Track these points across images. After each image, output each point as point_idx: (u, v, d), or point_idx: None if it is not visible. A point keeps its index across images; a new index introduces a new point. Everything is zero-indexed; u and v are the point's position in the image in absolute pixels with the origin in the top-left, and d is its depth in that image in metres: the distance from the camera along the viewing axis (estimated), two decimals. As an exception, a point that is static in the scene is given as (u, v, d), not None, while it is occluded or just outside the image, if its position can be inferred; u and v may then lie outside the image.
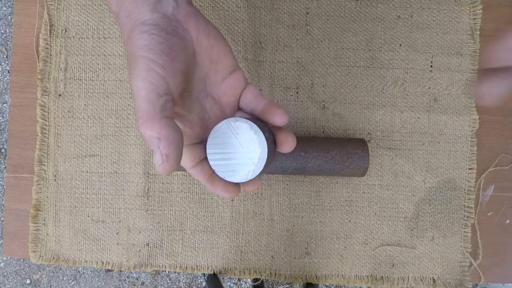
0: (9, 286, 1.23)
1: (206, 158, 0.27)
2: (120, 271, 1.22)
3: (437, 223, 0.46)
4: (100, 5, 0.46)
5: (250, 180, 0.27)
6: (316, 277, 0.46)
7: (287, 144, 0.27)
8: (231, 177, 0.26)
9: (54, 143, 0.46)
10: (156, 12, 0.23)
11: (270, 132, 0.27)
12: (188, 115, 0.26)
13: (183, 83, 0.24)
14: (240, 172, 0.26)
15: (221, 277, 1.04)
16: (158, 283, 1.22)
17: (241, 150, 0.26)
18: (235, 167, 0.26)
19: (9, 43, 1.28)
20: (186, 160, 0.26)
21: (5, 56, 1.27)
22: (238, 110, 0.29)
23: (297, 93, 0.46)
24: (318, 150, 0.40)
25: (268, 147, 0.26)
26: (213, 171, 0.27)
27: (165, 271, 1.22)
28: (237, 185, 0.27)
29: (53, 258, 0.46)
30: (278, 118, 0.26)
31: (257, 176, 0.26)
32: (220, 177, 0.26)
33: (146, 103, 0.21)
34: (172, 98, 0.22)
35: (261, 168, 0.26)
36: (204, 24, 0.25)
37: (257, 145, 0.25)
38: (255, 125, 0.25)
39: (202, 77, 0.27)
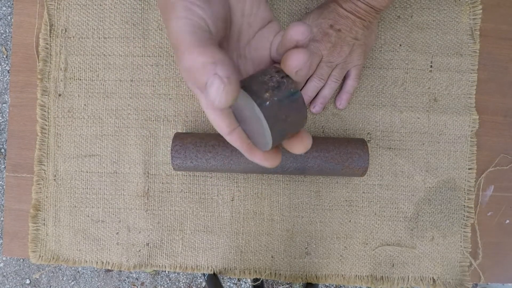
0: (8, 286, 1.23)
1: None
2: (120, 271, 1.22)
3: (437, 223, 0.46)
4: (100, 5, 0.46)
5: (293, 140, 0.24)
6: (316, 277, 0.46)
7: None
8: (259, 145, 0.24)
9: (54, 143, 0.46)
10: None
11: (285, 88, 0.21)
12: None
13: (222, 30, 0.23)
14: (261, 141, 0.23)
15: (221, 277, 1.04)
16: (158, 283, 1.22)
17: (250, 119, 0.23)
18: (258, 137, 0.23)
19: (9, 43, 1.27)
20: (223, 125, 0.24)
21: (5, 56, 1.27)
22: (272, 64, 0.26)
23: (297, 93, 0.46)
24: (318, 150, 0.40)
25: (276, 108, 0.21)
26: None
27: (165, 271, 1.22)
28: (277, 152, 0.25)
29: (53, 258, 0.46)
30: (291, 64, 0.21)
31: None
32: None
33: (192, 35, 0.20)
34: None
35: (277, 136, 0.22)
36: None
37: (260, 115, 0.21)
38: (245, 93, 0.21)
39: (235, 34, 0.25)
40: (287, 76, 0.22)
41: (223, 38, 0.24)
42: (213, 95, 0.18)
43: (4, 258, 1.23)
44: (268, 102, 0.20)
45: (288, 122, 0.21)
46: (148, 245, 0.46)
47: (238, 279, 1.22)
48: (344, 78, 0.44)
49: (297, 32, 0.21)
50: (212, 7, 0.22)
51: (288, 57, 0.21)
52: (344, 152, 0.40)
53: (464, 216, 0.46)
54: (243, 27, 0.25)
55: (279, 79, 0.21)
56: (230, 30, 0.25)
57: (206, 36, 0.21)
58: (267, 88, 0.21)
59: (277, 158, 0.24)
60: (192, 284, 1.22)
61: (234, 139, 0.24)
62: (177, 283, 1.22)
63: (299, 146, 0.24)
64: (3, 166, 1.26)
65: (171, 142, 0.45)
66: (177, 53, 0.21)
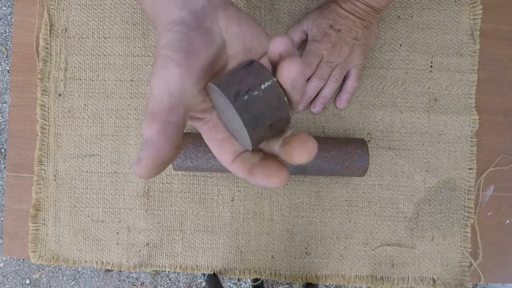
0: (8, 286, 1.23)
1: (245, 151, 0.24)
2: (120, 271, 1.22)
3: (437, 223, 0.46)
4: (100, 5, 0.46)
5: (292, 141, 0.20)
6: (316, 277, 0.46)
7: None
8: (242, 143, 0.22)
9: (54, 143, 0.46)
10: (185, 9, 0.23)
11: (271, 87, 0.19)
12: None
13: (204, 79, 0.23)
14: (243, 138, 0.21)
15: (221, 277, 1.04)
16: (158, 283, 1.22)
17: (231, 114, 0.21)
18: (240, 133, 0.21)
19: (9, 43, 1.27)
20: (225, 155, 0.24)
21: (5, 56, 1.27)
22: None
23: (297, 93, 0.46)
24: (318, 150, 0.40)
25: (250, 106, 0.19)
26: (252, 163, 0.22)
27: (165, 271, 1.22)
28: (280, 167, 0.21)
29: (53, 258, 0.46)
30: (284, 76, 0.19)
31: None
32: (260, 168, 0.22)
33: (154, 102, 0.21)
34: (188, 97, 0.22)
35: (252, 126, 0.19)
36: (234, 11, 0.24)
37: (233, 110, 0.19)
38: (218, 87, 0.20)
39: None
40: (253, 61, 0.20)
41: (221, 71, 0.24)
42: (134, 168, 0.20)
43: (4, 258, 1.23)
44: (238, 94, 0.19)
45: (265, 115, 0.19)
46: (148, 245, 0.46)
47: (238, 279, 1.22)
48: (344, 78, 0.44)
49: (276, 45, 0.19)
50: (193, 60, 0.22)
51: (280, 70, 0.19)
52: (344, 152, 0.40)
53: (464, 216, 0.46)
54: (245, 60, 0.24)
55: (245, 65, 0.20)
56: (232, 64, 0.25)
57: (170, 104, 0.21)
58: (237, 79, 0.20)
59: (281, 173, 0.21)
60: (192, 284, 1.22)
61: (236, 167, 0.23)
62: (177, 283, 1.22)
63: (299, 151, 0.20)
64: (3, 166, 1.26)
65: (171, 142, 0.45)
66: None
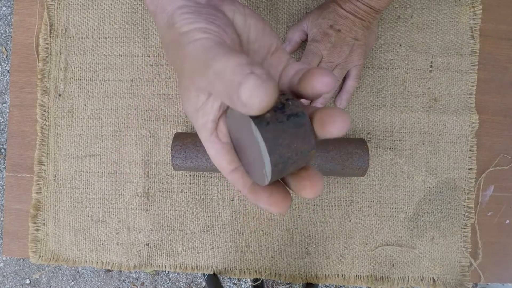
0: (8, 286, 1.23)
1: None
2: (120, 271, 1.22)
3: (437, 223, 0.46)
4: (100, 5, 0.46)
5: (300, 177, 0.20)
6: (316, 277, 0.46)
7: (333, 124, 0.18)
8: (259, 179, 0.20)
9: (54, 143, 0.46)
10: (190, 1, 0.23)
11: (290, 110, 0.18)
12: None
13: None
14: (260, 171, 0.19)
15: (221, 277, 1.04)
16: (158, 283, 1.22)
17: (247, 146, 0.20)
18: (255, 166, 0.20)
19: (9, 43, 1.27)
20: (224, 162, 0.22)
21: (5, 56, 1.27)
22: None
23: (297, 93, 0.46)
24: (318, 150, 0.40)
25: (278, 131, 0.18)
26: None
27: (165, 271, 1.22)
28: (285, 196, 0.20)
29: (53, 258, 0.46)
30: (314, 86, 0.19)
31: (316, 175, 0.20)
32: (264, 191, 0.21)
33: (219, 46, 0.19)
34: None
35: (278, 164, 0.18)
36: (240, 5, 0.24)
37: (258, 137, 0.18)
38: (244, 114, 0.19)
39: None
40: (292, 98, 0.19)
41: None
42: (246, 94, 0.16)
43: (4, 258, 1.23)
44: (268, 122, 0.17)
45: (292, 149, 0.18)
46: (148, 245, 0.46)
47: (238, 279, 1.22)
48: (344, 78, 0.44)
49: (321, 84, 0.18)
50: (226, 33, 0.21)
51: (310, 81, 0.19)
52: (344, 152, 0.40)
53: (464, 216, 0.46)
54: (249, 53, 0.24)
55: (283, 101, 0.18)
56: None
57: (234, 48, 0.20)
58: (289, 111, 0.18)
59: (286, 202, 0.20)
60: (192, 284, 1.22)
61: (236, 178, 0.22)
62: (177, 283, 1.22)
63: (309, 191, 0.19)
64: (3, 166, 1.26)
65: (171, 142, 0.45)
66: (196, 72, 0.19)
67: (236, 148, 0.22)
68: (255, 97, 0.16)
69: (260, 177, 0.20)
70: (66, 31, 0.46)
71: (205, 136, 0.22)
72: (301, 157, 0.19)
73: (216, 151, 0.22)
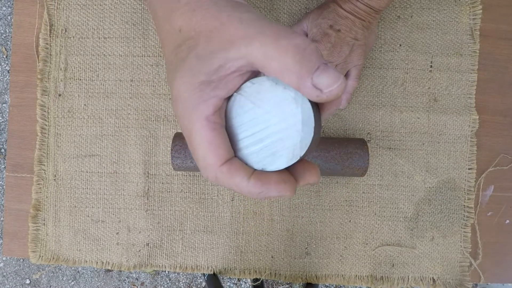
0: (8, 286, 1.23)
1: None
2: (120, 271, 1.22)
3: (437, 223, 0.46)
4: (100, 5, 0.46)
5: (304, 162, 0.19)
6: (316, 277, 0.46)
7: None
8: (273, 163, 0.19)
9: (54, 143, 0.46)
10: None
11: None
12: None
13: None
14: (283, 150, 0.19)
15: (221, 277, 1.04)
16: (158, 283, 1.22)
17: (273, 121, 0.19)
18: (273, 148, 0.19)
19: (9, 43, 1.27)
20: (221, 151, 0.19)
21: (5, 56, 1.27)
22: None
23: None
24: (318, 150, 0.40)
25: (311, 105, 0.18)
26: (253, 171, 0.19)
27: (165, 271, 1.22)
28: (289, 177, 0.20)
29: (53, 258, 0.46)
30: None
31: (309, 158, 0.19)
32: (271, 173, 0.19)
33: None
34: None
35: (311, 135, 0.18)
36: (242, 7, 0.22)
37: (293, 103, 0.18)
38: (279, 80, 0.18)
39: None
40: None
41: None
42: (328, 80, 0.17)
43: (4, 258, 1.23)
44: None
45: (319, 126, 0.19)
46: (148, 245, 0.46)
47: (238, 279, 1.22)
48: None
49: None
50: None
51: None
52: (344, 152, 0.40)
53: (464, 216, 0.46)
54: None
55: None
56: None
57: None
58: None
59: (291, 185, 0.19)
60: (192, 284, 1.22)
61: (234, 169, 0.19)
62: (177, 283, 1.22)
63: (314, 173, 0.20)
64: (3, 166, 1.26)
65: (171, 142, 0.45)
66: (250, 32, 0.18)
67: (237, 124, 0.20)
68: (336, 85, 0.17)
69: (288, 155, 0.19)
70: (66, 31, 0.46)
71: (202, 118, 0.19)
72: (319, 137, 0.20)
73: (213, 137, 0.19)
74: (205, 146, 0.19)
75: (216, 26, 0.19)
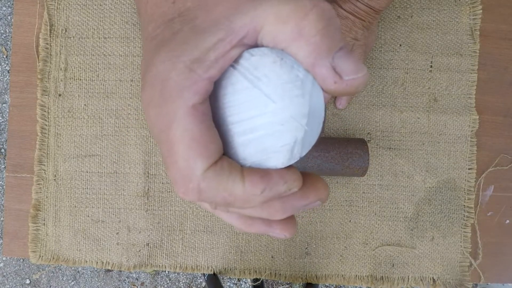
0: (8, 286, 1.23)
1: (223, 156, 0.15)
2: (120, 271, 1.22)
3: (437, 223, 0.46)
4: (100, 5, 0.46)
5: (310, 178, 0.16)
6: (316, 277, 0.46)
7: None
8: (265, 161, 0.15)
9: (54, 143, 0.46)
10: None
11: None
12: None
13: None
14: (280, 146, 0.14)
15: (221, 277, 1.04)
16: (158, 283, 1.22)
17: (271, 108, 0.14)
18: (266, 142, 0.15)
19: (9, 43, 1.27)
20: (213, 147, 0.14)
21: (5, 56, 1.27)
22: None
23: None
24: (318, 150, 0.40)
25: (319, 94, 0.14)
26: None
27: (165, 271, 1.22)
28: (294, 169, 0.16)
29: (53, 258, 0.46)
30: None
31: (317, 176, 0.16)
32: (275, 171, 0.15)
33: None
34: None
35: (318, 132, 0.15)
36: None
37: (300, 88, 0.14)
38: (287, 54, 0.14)
39: None
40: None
41: None
42: (352, 65, 0.14)
43: (4, 258, 1.23)
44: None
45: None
46: (148, 245, 0.46)
47: (238, 279, 1.22)
48: None
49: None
50: None
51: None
52: (344, 152, 0.40)
53: (464, 216, 0.46)
54: None
55: None
56: None
57: None
58: None
59: (297, 172, 0.16)
60: (192, 284, 1.22)
61: (218, 173, 0.14)
62: (177, 283, 1.22)
63: (322, 186, 0.17)
64: (3, 166, 1.26)
65: (171, 142, 0.45)
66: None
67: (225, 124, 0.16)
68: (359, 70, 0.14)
69: (284, 153, 0.15)
70: (66, 31, 0.46)
71: (188, 106, 0.14)
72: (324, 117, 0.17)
73: (201, 132, 0.14)
74: (187, 143, 0.14)
75: None
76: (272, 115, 0.14)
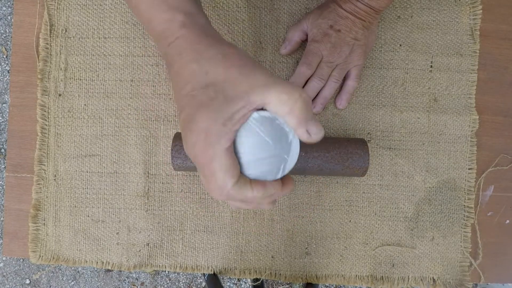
0: (8, 286, 1.23)
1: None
2: (120, 271, 1.22)
3: (437, 223, 0.46)
4: (100, 5, 0.46)
5: (285, 180, 0.27)
6: (316, 277, 0.46)
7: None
8: (265, 176, 0.26)
9: (54, 143, 0.46)
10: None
11: None
12: None
13: None
14: (274, 168, 0.26)
15: (221, 277, 1.04)
16: (158, 283, 1.22)
17: (270, 147, 0.25)
18: (267, 165, 0.26)
19: (9, 43, 1.27)
20: (229, 178, 0.25)
21: (5, 56, 1.27)
22: None
23: (297, 93, 0.46)
24: (318, 150, 0.40)
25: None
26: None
27: (165, 271, 1.22)
28: (278, 181, 0.28)
29: (53, 258, 0.46)
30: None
31: (289, 176, 0.28)
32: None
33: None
34: None
35: (294, 162, 0.26)
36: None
37: (288, 138, 0.26)
38: (280, 118, 0.25)
39: None
40: None
41: None
42: (317, 129, 0.25)
43: (4, 258, 1.23)
44: None
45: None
46: (148, 245, 0.46)
47: (238, 279, 1.22)
48: (344, 78, 0.44)
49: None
50: None
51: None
52: (344, 152, 0.40)
53: (464, 216, 0.46)
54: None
55: None
56: None
57: None
58: None
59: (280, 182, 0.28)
60: (192, 284, 1.22)
61: (240, 185, 0.26)
62: (177, 283, 1.22)
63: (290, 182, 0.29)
64: (3, 166, 1.26)
65: (171, 142, 0.45)
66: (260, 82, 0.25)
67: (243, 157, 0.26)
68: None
69: (273, 174, 0.26)
70: (66, 31, 0.46)
71: (223, 149, 0.24)
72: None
73: (231, 164, 0.24)
74: (224, 171, 0.24)
75: (241, 74, 0.24)
76: (268, 151, 0.25)
